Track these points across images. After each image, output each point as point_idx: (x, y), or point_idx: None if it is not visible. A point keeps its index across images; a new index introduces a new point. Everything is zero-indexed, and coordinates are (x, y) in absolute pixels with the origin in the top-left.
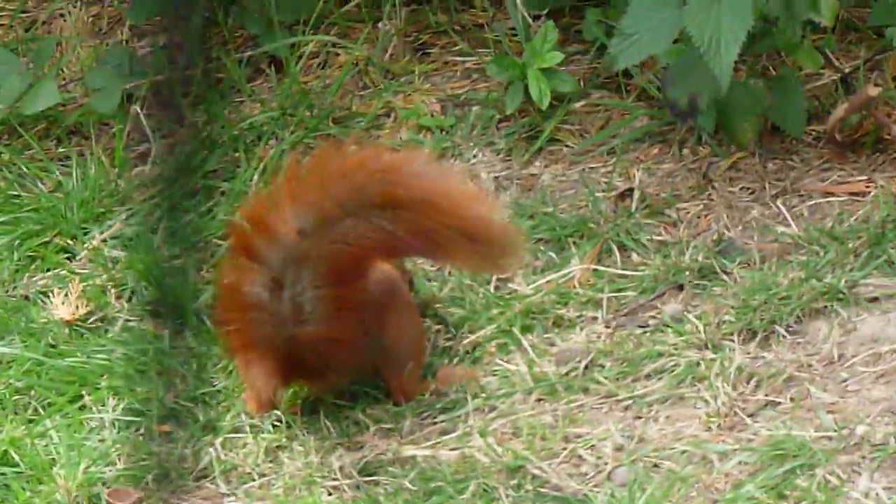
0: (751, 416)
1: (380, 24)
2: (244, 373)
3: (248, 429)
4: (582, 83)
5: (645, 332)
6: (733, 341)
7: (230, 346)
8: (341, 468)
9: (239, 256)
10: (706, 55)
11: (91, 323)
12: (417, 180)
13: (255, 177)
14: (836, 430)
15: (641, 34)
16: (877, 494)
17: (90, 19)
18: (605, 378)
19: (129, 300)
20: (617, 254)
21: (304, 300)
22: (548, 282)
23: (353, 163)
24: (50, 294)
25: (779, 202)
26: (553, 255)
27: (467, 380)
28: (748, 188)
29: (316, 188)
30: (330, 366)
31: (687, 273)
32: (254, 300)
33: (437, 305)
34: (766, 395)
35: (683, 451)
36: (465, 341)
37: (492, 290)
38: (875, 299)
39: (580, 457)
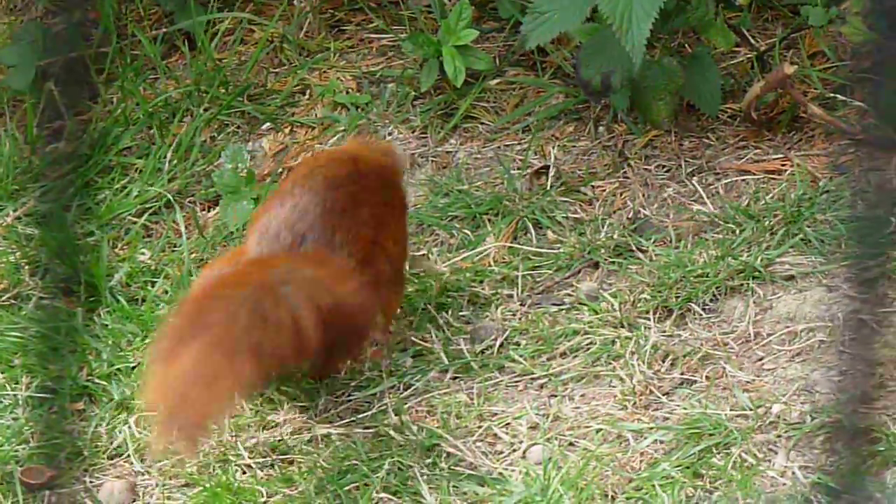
0: (666, 394)
1: (295, 1)
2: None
3: None
4: (497, 61)
5: (560, 310)
6: (649, 319)
7: None
8: (255, 446)
9: None
10: (618, 33)
11: (4, 300)
12: None
13: (169, 154)
14: (751, 409)
15: (553, 12)
16: (793, 473)
17: None
18: (521, 356)
19: (43, 277)
20: (532, 231)
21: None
22: (463, 259)
23: None
24: None
25: (694, 180)
26: (468, 232)
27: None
28: (664, 166)
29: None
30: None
31: (602, 251)
32: None
33: None
34: (682, 374)
35: (599, 430)
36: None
37: (407, 267)
38: (791, 277)
39: (495, 435)
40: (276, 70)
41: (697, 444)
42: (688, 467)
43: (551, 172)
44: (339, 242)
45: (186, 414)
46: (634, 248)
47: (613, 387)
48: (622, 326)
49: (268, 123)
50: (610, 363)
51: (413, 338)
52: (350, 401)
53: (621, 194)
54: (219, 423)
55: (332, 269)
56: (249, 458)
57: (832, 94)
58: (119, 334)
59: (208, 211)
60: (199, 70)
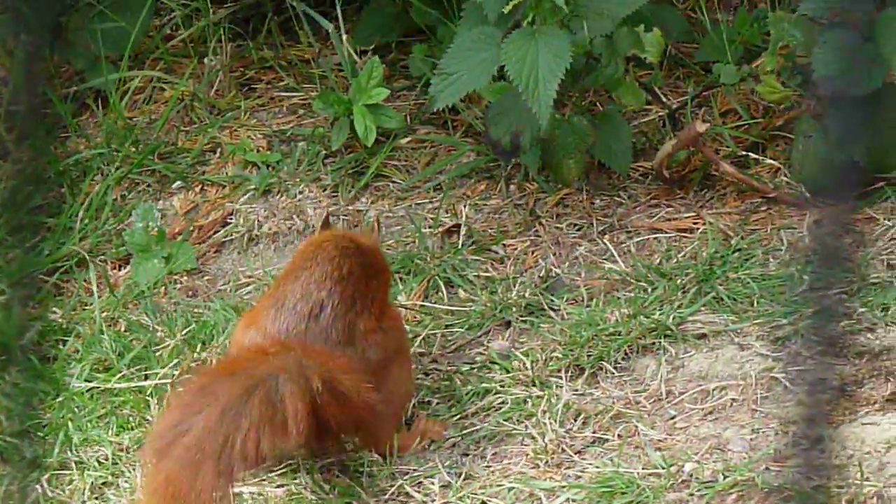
0: (578, 452)
1: (205, 60)
2: None
3: (73, 465)
4: (408, 119)
5: (472, 369)
6: (560, 378)
7: None
8: None
9: None
10: (524, 93)
11: None
12: None
13: (81, 212)
14: (664, 468)
15: (461, 73)
16: None
17: None
18: (433, 415)
19: None
20: (444, 290)
21: None
22: None
23: None
24: None
25: (606, 238)
26: None
27: (435, 434)
28: (575, 224)
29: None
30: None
31: (514, 309)
32: None
33: None
34: (594, 432)
35: (511, 489)
36: None
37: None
38: (703, 336)
39: (407, 494)
40: (187, 129)
41: (610, 503)
42: None
43: (463, 231)
44: (359, 308)
45: None
46: (546, 306)
47: (525, 445)
48: (534, 385)
49: (179, 182)
50: (522, 422)
51: None
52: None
53: (533, 253)
54: None
55: (335, 361)
56: None
57: (744, 152)
58: (31, 393)
59: (119, 269)
60: (110, 128)
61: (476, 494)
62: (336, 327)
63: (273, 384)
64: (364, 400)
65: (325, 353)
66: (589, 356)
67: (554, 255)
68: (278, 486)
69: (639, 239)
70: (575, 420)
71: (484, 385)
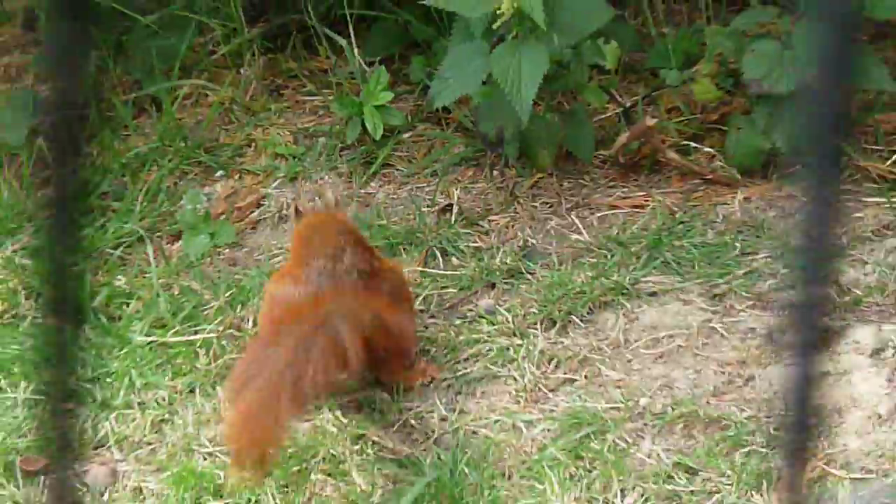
0: (552, 391)
1: (242, 70)
2: None
3: (136, 406)
4: (409, 117)
5: (464, 323)
6: (537, 329)
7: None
8: (214, 438)
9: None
10: (509, 95)
11: (5, 320)
12: None
13: (140, 197)
14: (623, 402)
15: (456, 78)
16: (658, 455)
17: (1, 68)
18: (431, 361)
19: (36, 300)
20: (440, 258)
21: None
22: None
23: None
24: None
25: (573, 214)
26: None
27: (433, 372)
28: (547, 203)
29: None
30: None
31: (498, 273)
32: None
33: None
34: (565, 374)
35: (497, 421)
36: None
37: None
38: (654, 293)
39: (412, 426)
40: (227, 127)
41: (578, 432)
42: (571, 451)
43: (455, 209)
44: (367, 254)
45: (249, 449)
46: (524, 270)
47: (508, 385)
48: (515, 335)
49: (220, 171)
50: (505, 366)
51: None
52: None
53: (512, 227)
54: (275, 452)
55: (377, 300)
56: (210, 446)
57: (686, 142)
58: (100, 346)
59: (172, 244)
60: (164, 128)
61: (468, 426)
62: (356, 269)
63: (333, 323)
64: (401, 329)
65: (363, 294)
66: (560, 311)
67: (530, 228)
68: (305, 421)
69: (600, 214)
70: (549, 364)
71: (474, 336)
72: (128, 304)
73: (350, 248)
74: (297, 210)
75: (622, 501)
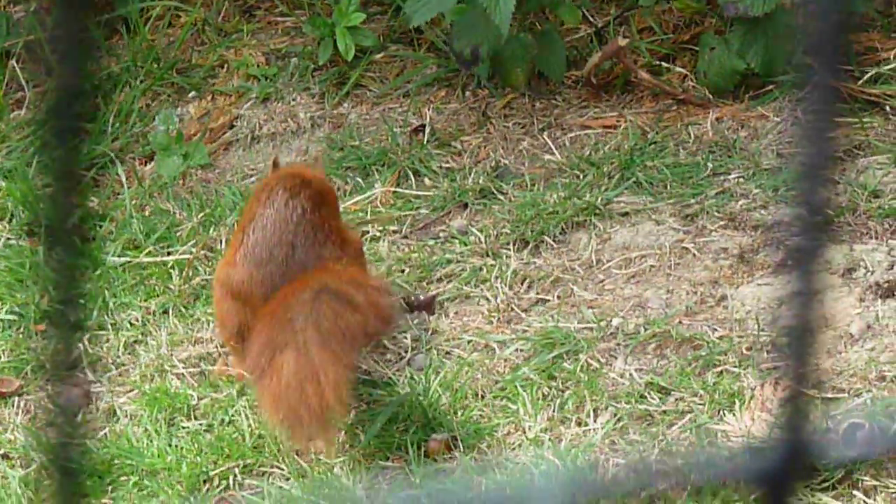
0: (525, 311)
1: None
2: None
3: (109, 327)
4: (381, 38)
5: (437, 243)
6: (509, 249)
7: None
8: (187, 358)
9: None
10: (489, 9)
11: None
12: None
13: (112, 118)
14: (595, 323)
15: None
16: (630, 374)
17: None
18: (405, 282)
19: (10, 222)
20: (412, 179)
21: None
22: (355, 203)
23: None
24: None
25: (545, 135)
26: (360, 180)
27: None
28: (520, 123)
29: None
30: None
31: (470, 193)
32: None
33: None
34: (537, 294)
35: (469, 341)
36: None
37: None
38: (626, 213)
39: (385, 346)
40: (199, 48)
41: (551, 352)
42: (544, 371)
43: (427, 130)
44: (322, 240)
45: (308, 417)
46: (496, 191)
47: (481, 305)
48: (488, 255)
49: (193, 92)
50: (478, 286)
51: None
52: None
53: (485, 147)
54: (340, 409)
55: (353, 272)
56: (182, 367)
57: (658, 62)
58: (74, 267)
59: (145, 165)
60: (136, 49)
61: (441, 346)
62: (309, 261)
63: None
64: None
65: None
66: (532, 231)
67: (502, 148)
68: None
69: (572, 134)
70: (522, 284)
71: (447, 256)
72: (101, 226)
73: (307, 227)
74: (276, 162)
75: (595, 421)
